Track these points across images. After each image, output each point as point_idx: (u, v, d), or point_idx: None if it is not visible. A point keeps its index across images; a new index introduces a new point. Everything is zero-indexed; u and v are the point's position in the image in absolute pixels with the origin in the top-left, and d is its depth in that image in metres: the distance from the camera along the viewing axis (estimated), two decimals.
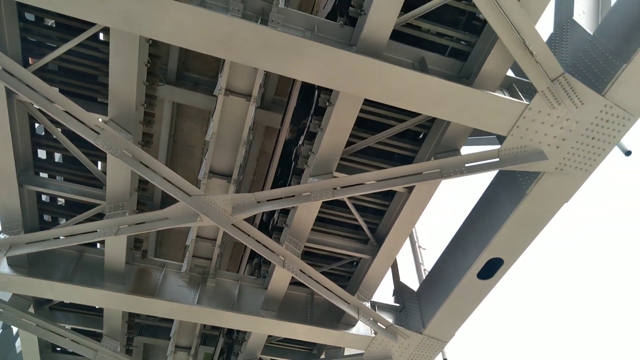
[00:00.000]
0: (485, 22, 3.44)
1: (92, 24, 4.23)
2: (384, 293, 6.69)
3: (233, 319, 5.90)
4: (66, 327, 6.66)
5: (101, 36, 4.64)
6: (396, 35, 3.87)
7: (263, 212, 6.28)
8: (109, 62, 4.03)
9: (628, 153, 4.22)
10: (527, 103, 3.72)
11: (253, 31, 3.38)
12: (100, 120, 4.24)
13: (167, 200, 8.54)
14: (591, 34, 3.83)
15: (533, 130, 3.85)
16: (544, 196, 4.31)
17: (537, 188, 4.24)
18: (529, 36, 3.32)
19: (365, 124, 4.74)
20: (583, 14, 3.98)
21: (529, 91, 4.14)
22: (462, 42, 4.05)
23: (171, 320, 7.69)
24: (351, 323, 6.15)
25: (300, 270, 5.20)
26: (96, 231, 4.90)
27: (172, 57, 7.08)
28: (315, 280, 5.30)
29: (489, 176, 4.97)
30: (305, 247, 5.78)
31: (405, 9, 3.64)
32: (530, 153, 3.98)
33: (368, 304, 5.92)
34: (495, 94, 3.72)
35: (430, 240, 7.37)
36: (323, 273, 5.64)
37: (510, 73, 4.34)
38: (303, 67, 3.56)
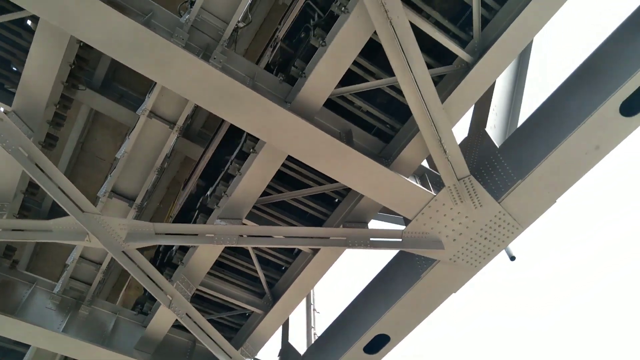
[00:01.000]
0: (410, 113, 3.71)
1: (21, 8, 3.94)
2: (270, 353, 6.47)
3: (99, 356, 5.33)
4: None
5: (29, 22, 4.33)
6: (330, 103, 4.04)
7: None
8: (29, 51, 3.74)
9: (512, 258, 4.66)
10: (435, 194, 3.99)
11: (191, 64, 3.33)
12: (1, 109, 3.85)
13: (57, 210, 7.77)
14: (497, 146, 4.27)
15: (436, 220, 4.11)
16: (436, 283, 4.54)
17: (431, 274, 4.47)
18: (445, 136, 3.62)
19: (284, 178, 4.77)
20: (494, 127, 4.45)
21: (438, 184, 4.46)
22: (388, 126, 4.32)
23: (28, 346, 6.76)
24: None
25: (187, 314, 4.90)
26: None
27: (103, 63, 6.72)
28: (200, 327, 5.00)
29: (392, 252, 5.17)
30: (197, 290, 5.49)
31: (343, 82, 3.84)
32: (430, 240, 4.22)
33: None
34: (408, 179, 3.95)
35: (326, 304, 7.35)
36: (210, 321, 5.36)
37: (425, 163, 4.68)
38: (235, 111, 3.55)
